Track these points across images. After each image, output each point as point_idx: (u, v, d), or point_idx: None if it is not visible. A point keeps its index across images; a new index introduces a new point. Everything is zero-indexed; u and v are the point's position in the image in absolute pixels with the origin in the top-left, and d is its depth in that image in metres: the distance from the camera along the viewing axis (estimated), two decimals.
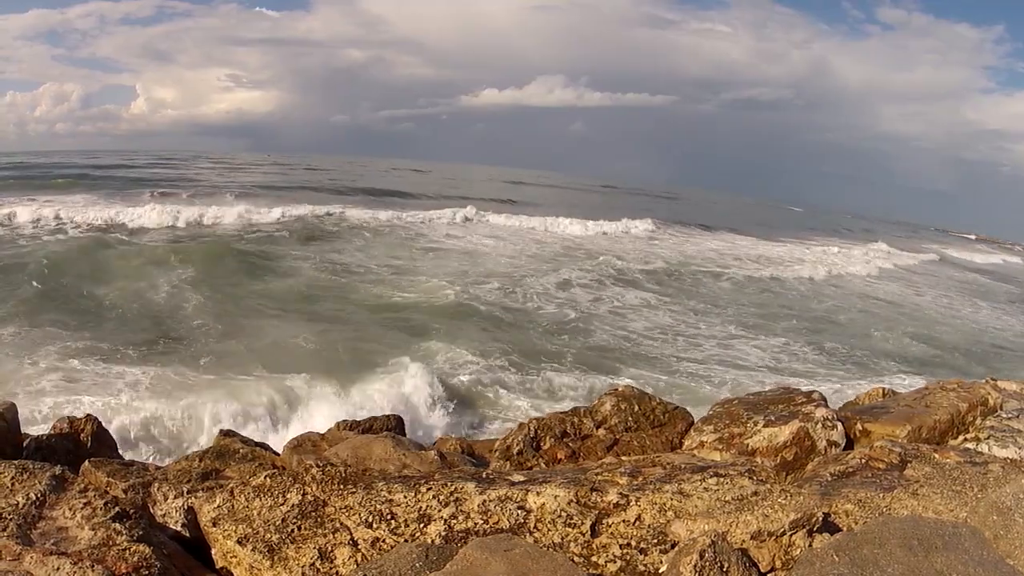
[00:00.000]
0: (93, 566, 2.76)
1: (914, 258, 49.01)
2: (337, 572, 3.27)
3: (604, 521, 3.55)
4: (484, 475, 4.13)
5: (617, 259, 28.63)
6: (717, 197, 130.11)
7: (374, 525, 3.49)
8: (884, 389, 7.50)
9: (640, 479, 3.97)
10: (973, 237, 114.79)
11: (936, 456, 4.19)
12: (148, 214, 28.09)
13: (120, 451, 7.03)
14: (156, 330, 14.11)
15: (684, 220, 53.98)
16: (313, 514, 3.55)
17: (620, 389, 6.29)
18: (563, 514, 3.57)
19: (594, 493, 3.70)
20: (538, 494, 3.67)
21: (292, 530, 3.46)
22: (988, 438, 4.97)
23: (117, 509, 3.24)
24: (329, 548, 3.35)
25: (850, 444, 5.17)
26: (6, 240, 23.00)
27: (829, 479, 3.98)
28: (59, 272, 17.94)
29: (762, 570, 2.94)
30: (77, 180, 41.61)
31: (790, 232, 60.17)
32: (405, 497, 3.65)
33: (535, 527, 3.53)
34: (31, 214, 26.16)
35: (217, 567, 3.48)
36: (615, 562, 3.32)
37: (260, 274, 20.28)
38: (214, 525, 3.54)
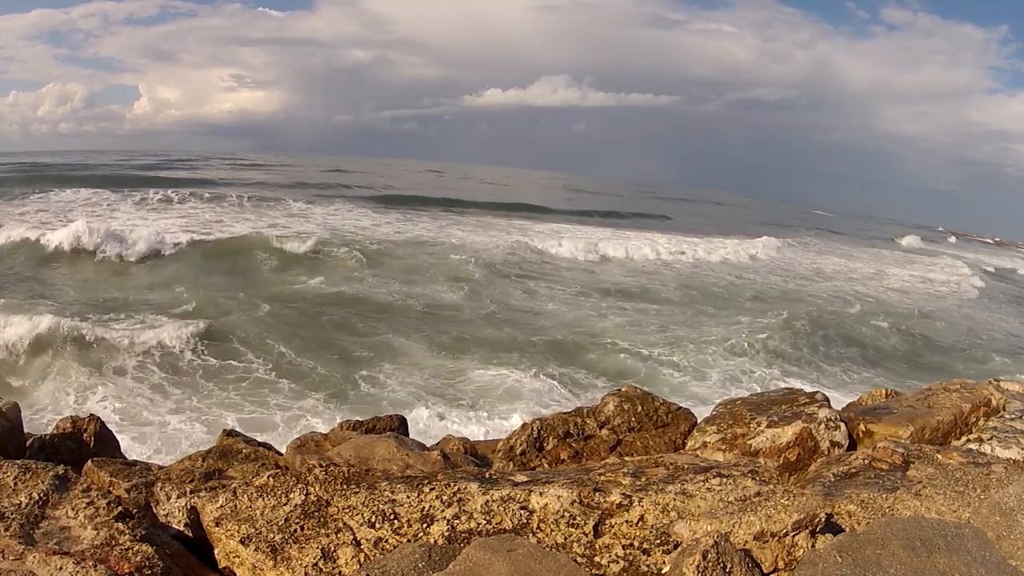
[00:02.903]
0: (96, 566, 2.77)
1: (977, 270, 47.37)
2: (340, 572, 3.27)
3: (607, 521, 3.54)
4: (487, 475, 4.13)
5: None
6: (734, 200, 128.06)
7: (377, 525, 3.49)
8: (887, 390, 7.49)
9: (643, 479, 3.97)
10: (991, 241, 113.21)
11: (939, 457, 4.19)
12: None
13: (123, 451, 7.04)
14: None
15: (777, 234, 51.95)
16: (316, 514, 3.55)
17: (623, 389, 6.28)
18: (566, 514, 3.57)
19: (597, 493, 3.69)
20: (541, 494, 3.67)
21: (295, 530, 3.46)
22: (991, 439, 4.95)
23: (120, 509, 3.24)
24: (332, 548, 3.35)
25: (853, 445, 5.17)
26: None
27: (832, 480, 3.98)
28: None
29: (765, 571, 2.94)
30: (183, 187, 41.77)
31: (864, 243, 59.55)
32: (408, 497, 3.65)
33: (538, 527, 3.53)
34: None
35: (220, 567, 3.48)
36: (618, 562, 3.32)
37: None
38: (217, 525, 3.54)
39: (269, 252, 24.77)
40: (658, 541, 3.41)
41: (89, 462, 5.11)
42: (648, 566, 3.29)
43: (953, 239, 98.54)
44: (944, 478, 3.86)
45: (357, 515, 3.54)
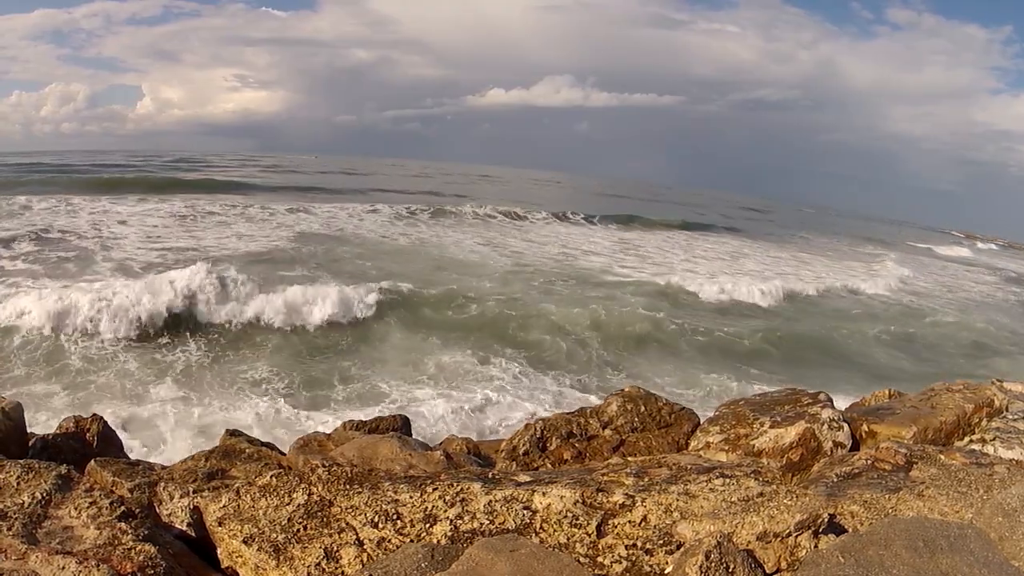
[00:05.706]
0: (98, 565, 2.77)
1: None
2: (343, 572, 3.27)
3: (610, 522, 3.54)
4: (490, 475, 4.13)
5: None
6: (742, 201, 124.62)
7: (380, 525, 3.49)
8: (890, 390, 7.47)
9: (646, 480, 3.96)
10: (1002, 243, 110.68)
11: (942, 457, 4.18)
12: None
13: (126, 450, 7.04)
14: None
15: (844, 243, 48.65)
16: (319, 514, 3.55)
17: (626, 390, 6.27)
18: (569, 515, 3.57)
19: (600, 494, 3.69)
20: (544, 495, 3.67)
21: (298, 530, 3.46)
22: (994, 439, 4.94)
23: (123, 508, 3.25)
24: (335, 548, 3.35)
25: (856, 445, 5.15)
26: None
27: (835, 480, 3.98)
28: None
29: (767, 571, 2.94)
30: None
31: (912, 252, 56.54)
32: (411, 497, 3.65)
33: (541, 527, 3.53)
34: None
35: (223, 567, 3.48)
36: (620, 563, 3.32)
37: None
38: (220, 525, 3.55)
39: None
40: (661, 541, 3.40)
41: (92, 462, 5.12)
42: (651, 566, 3.29)
43: (993, 246, 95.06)
44: (947, 479, 3.85)
45: (360, 515, 3.54)
